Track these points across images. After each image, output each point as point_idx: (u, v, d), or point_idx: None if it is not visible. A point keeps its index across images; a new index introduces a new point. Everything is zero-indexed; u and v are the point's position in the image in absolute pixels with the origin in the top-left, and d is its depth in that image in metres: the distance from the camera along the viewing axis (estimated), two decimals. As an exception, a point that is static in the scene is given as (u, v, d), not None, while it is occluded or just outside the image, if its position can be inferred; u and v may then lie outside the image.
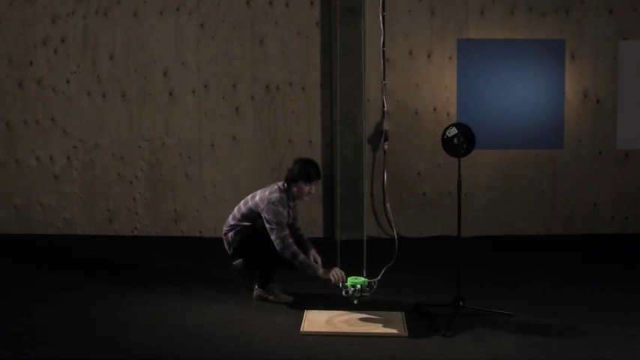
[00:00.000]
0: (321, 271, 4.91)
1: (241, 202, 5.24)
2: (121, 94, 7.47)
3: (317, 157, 7.40)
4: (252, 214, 5.09)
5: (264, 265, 5.14)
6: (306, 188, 5.07)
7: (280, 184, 5.14)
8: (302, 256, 4.93)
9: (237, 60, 7.40)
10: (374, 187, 7.43)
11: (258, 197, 5.10)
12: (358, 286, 4.70)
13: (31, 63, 7.49)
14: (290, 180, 5.08)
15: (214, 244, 5.93)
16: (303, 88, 7.41)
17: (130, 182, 7.55)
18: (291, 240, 4.94)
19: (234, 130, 7.43)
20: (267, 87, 7.41)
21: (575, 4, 7.32)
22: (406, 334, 4.48)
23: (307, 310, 4.89)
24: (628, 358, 4.15)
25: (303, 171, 5.04)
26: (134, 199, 7.56)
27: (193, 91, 7.44)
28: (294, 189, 5.08)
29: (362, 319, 4.74)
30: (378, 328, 4.58)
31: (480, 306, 4.89)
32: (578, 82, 7.38)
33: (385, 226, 7.44)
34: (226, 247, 5.27)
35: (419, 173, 7.48)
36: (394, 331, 4.54)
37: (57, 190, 7.60)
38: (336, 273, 4.86)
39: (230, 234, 5.20)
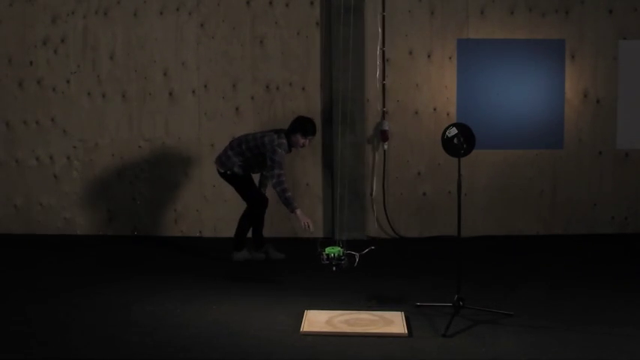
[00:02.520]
0: (299, 211, 5.92)
1: (241, 139, 6.31)
2: (121, 94, 7.47)
3: (317, 157, 7.43)
4: (257, 150, 6.16)
5: (253, 218, 6.37)
6: (302, 140, 6.20)
7: (283, 132, 6.20)
8: (290, 194, 5.97)
9: (237, 60, 7.40)
10: (374, 187, 7.43)
11: (266, 139, 6.12)
12: (333, 254, 5.04)
13: (31, 63, 7.49)
14: (290, 131, 6.19)
15: (214, 244, 5.94)
16: (303, 88, 7.41)
17: (130, 182, 7.55)
18: (285, 178, 6.01)
19: (234, 130, 7.42)
20: (267, 87, 7.41)
21: (575, 4, 7.32)
22: (406, 334, 4.49)
23: (307, 310, 4.89)
24: (628, 358, 4.15)
25: (302, 125, 6.19)
26: (134, 199, 7.56)
27: (193, 91, 7.44)
28: (292, 138, 6.18)
29: (362, 319, 4.75)
30: (378, 328, 4.59)
31: (479, 306, 4.89)
32: (578, 82, 7.37)
33: (385, 226, 7.44)
34: (221, 167, 6.31)
35: (419, 173, 7.47)
36: (394, 331, 4.54)
37: (57, 190, 7.60)
38: (309, 222, 5.89)
39: (236, 166, 6.24)
